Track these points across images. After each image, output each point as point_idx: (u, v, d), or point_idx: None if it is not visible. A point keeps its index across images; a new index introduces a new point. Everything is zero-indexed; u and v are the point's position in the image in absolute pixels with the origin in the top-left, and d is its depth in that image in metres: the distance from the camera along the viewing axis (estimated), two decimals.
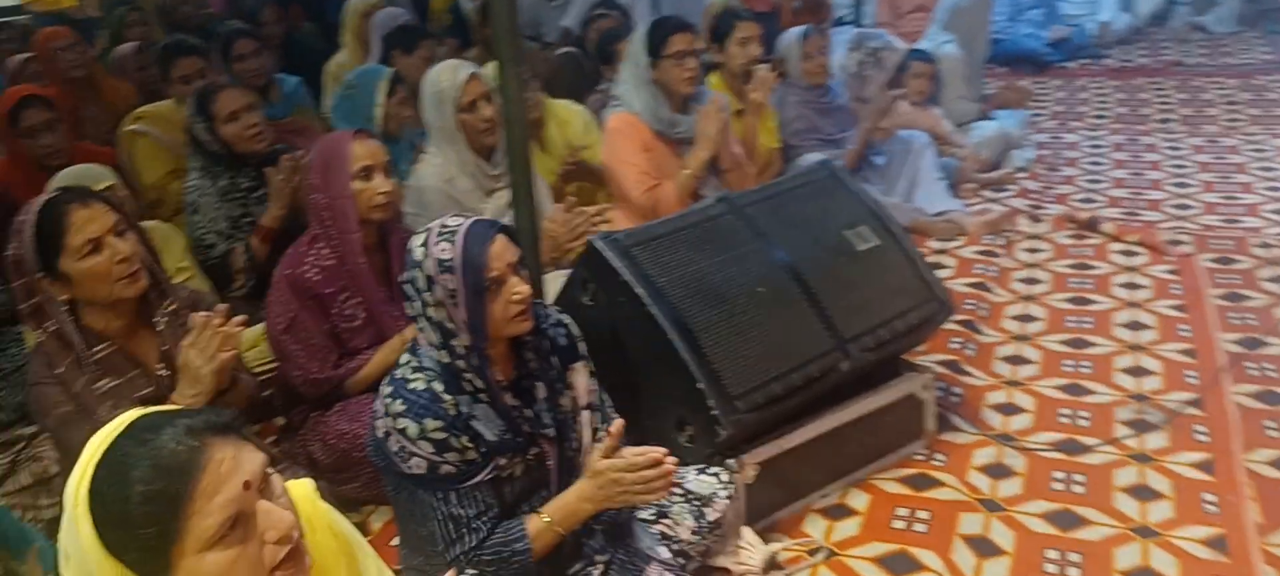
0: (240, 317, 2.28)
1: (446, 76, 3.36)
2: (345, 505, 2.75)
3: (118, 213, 2.23)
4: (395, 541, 2.27)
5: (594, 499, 2.00)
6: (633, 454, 1.97)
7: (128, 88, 4.90)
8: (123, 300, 2.24)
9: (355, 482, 2.72)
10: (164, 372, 2.30)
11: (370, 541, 2.64)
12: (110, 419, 1.29)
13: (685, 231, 2.74)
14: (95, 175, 3.09)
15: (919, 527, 2.61)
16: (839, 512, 2.70)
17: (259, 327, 2.98)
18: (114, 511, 1.19)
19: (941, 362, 3.41)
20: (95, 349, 2.24)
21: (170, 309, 2.35)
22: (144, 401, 2.26)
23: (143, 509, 1.18)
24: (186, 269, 3.40)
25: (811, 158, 4.32)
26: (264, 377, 2.86)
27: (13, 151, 3.74)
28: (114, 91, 4.87)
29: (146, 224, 3.34)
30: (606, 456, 1.97)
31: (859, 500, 2.74)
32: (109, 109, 4.67)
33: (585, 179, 4.03)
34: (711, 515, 2.28)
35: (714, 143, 3.65)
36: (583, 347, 2.24)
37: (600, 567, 2.16)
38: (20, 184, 3.44)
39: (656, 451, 1.95)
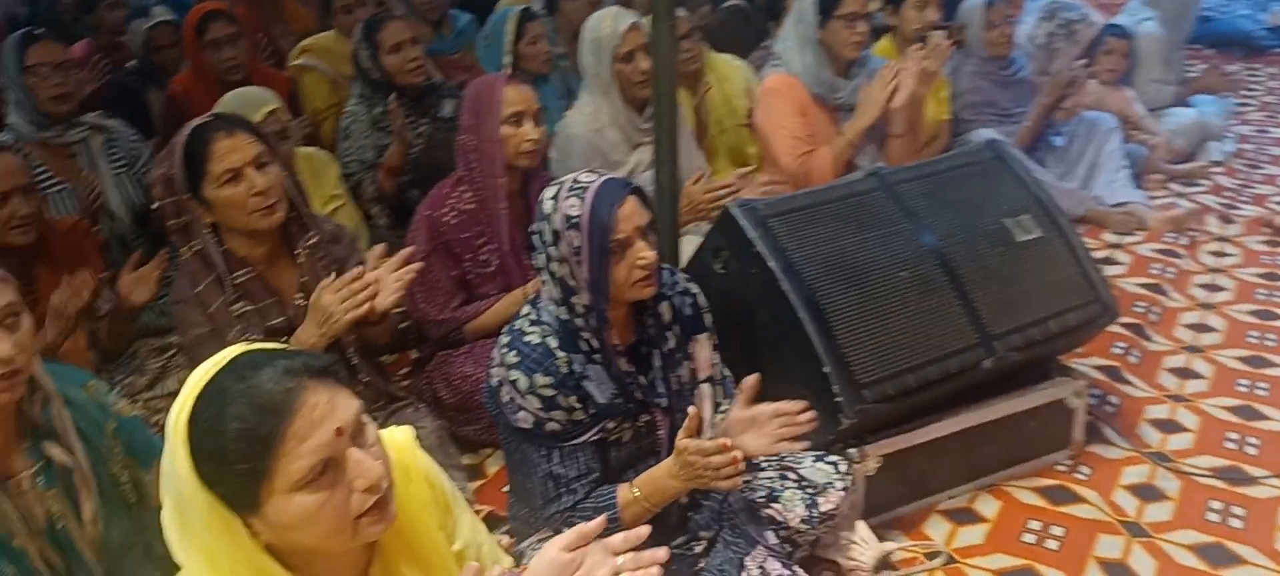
0: (374, 274, 2.30)
1: (607, 24, 3.33)
2: (465, 446, 2.80)
3: (262, 144, 2.29)
4: (507, 487, 2.28)
5: (678, 477, 1.95)
6: (721, 434, 1.92)
7: (309, 13, 5.07)
8: (261, 230, 2.31)
9: (475, 425, 2.76)
10: (301, 303, 2.37)
11: (484, 485, 2.73)
12: (241, 343, 1.32)
13: (829, 205, 2.63)
14: (259, 99, 3.20)
15: (1051, 544, 2.45)
16: (965, 517, 2.56)
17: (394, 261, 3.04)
18: (209, 444, 1.21)
19: (1099, 367, 3.18)
20: (235, 273, 2.32)
21: (311, 241, 2.41)
22: (276, 331, 2.34)
23: (236, 445, 1.20)
24: (339, 198, 3.50)
25: (982, 134, 4.10)
26: (400, 312, 2.92)
27: (196, 65, 3.93)
28: (296, 16, 5.05)
29: (304, 151, 3.45)
30: (687, 436, 1.92)
31: (989, 507, 2.59)
32: (291, 32, 4.85)
33: (724, 131, 3.94)
34: (824, 505, 2.19)
35: (878, 110, 3.48)
36: (708, 319, 2.18)
37: (703, 543, 2.12)
38: (200, 97, 3.61)
39: (723, 441, 1.88)
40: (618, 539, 1.38)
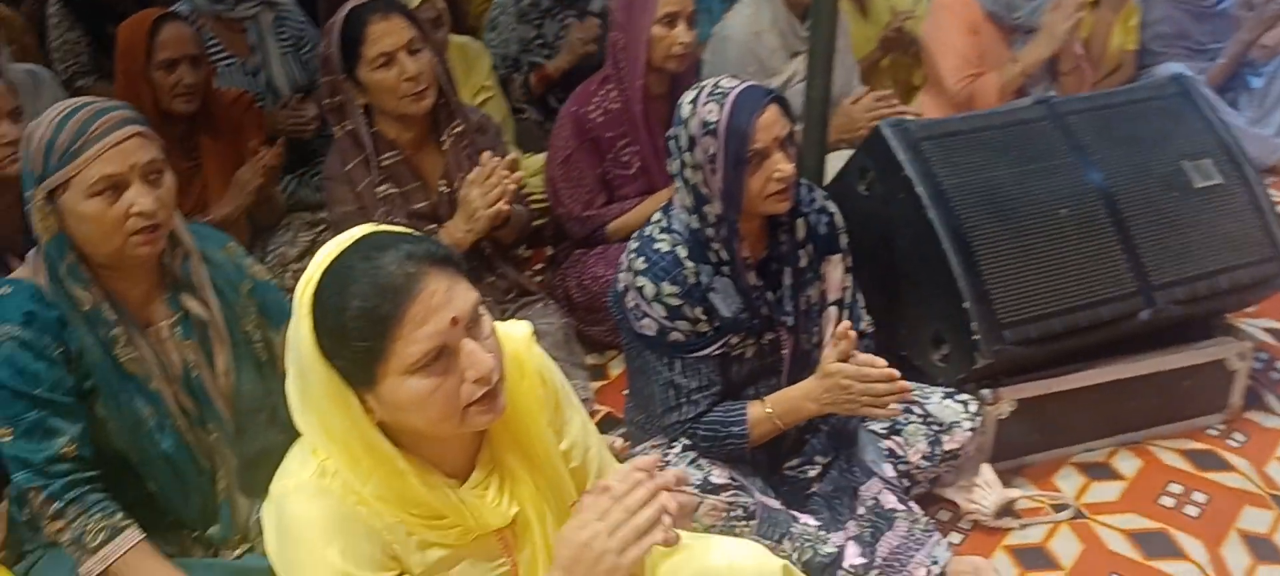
0: (519, 174, 2.33)
1: None
2: (590, 346, 2.83)
3: (415, 29, 2.32)
4: (627, 391, 2.29)
5: (819, 400, 1.92)
6: (866, 361, 1.86)
7: None
8: (410, 114, 2.35)
9: (602, 326, 2.78)
10: (443, 190, 2.42)
11: (605, 387, 2.75)
12: (385, 224, 1.34)
13: (988, 132, 2.49)
14: None
15: (1190, 510, 2.32)
16: (1100, 472, 2.44)
17: (541, 157, 3.06)
18: (331, 320, 1.25)
19: (1270, 331, 2.95)
20: (383, 155, 2.38)
21: (457, 129, 2.44)
22: (419, 215, 2.39)
23: (356, 323, 1.23)
24: (489, 89, 3.52)
25: (1169, 67, 3.80)
26: (539, 208, 2.95)
27: None
28: None
29: (458, 40, 3.48)
30: (840, 359, 1.87)
31: (1128, 465, 2.46)
32: None
33: (903, 52, 3.76)
34: (949, 444, 2.12)
35: (1058, 41, 3.25)
36: (844, 240, 2.12)
37: (818, 468, 2.09)
38: None
39: (891, 370, 1.83)
40: (670, 475, 1.35)
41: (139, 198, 1.72)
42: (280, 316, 1.91)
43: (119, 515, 1.79)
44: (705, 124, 1.88)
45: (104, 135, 1.69)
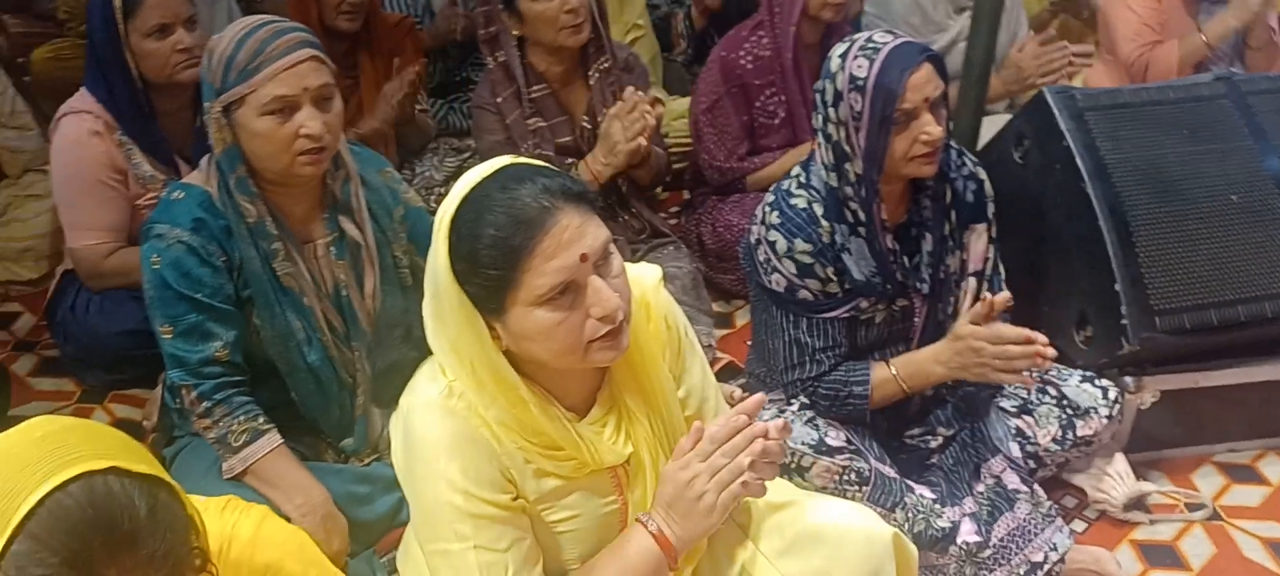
0: (660, 110, 2.33)
1: None
2: (718, 293, 2.83)
3: None
4: (750, 342, 2.29)
5: (948, 364, 1.87)
6: (1003, 326, 1.81)
7: None
8: (564, 48, 2.37)
9: (732, 275, 2.77)
10: (586, 125, 2.44)
11: (729, 336, 2.75)
12: (528, 157, 1.38)
13: (1159, 107, 2.35)
14: None
15: None
16: (1244, 475, 2.31)
17: (685, 101, 3.05)
18: (466, 246, 1.28)
19: None
20: (533, 87, 2.42)
21: (604, 66, 2.46)
22: (564, 149, 2.43)
23: (488, 251, 1.26)
24: (640, 27, 3.50)
25: None
26: (678, 151, 2.94)
27: None
28: None
29: None
30: (975, 324, 1.81)
31: (1275, 469, 2.33)
32: None
33: (1075, 15, 3.58)
34: (1082, 429, 2.04)
35: (1250, 13, 3.03)
36: (990, 210, 2.05)
37: (940, 439, 2.04)
38: None
39: (1029, 332, 1.77)
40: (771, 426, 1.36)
41: (308, 120, 1.79)
42: (428, 244, 1.98)
43: (261, 419, 1.89)
44: (853, 79, 1.84)
45: (280, 56, 1.76)
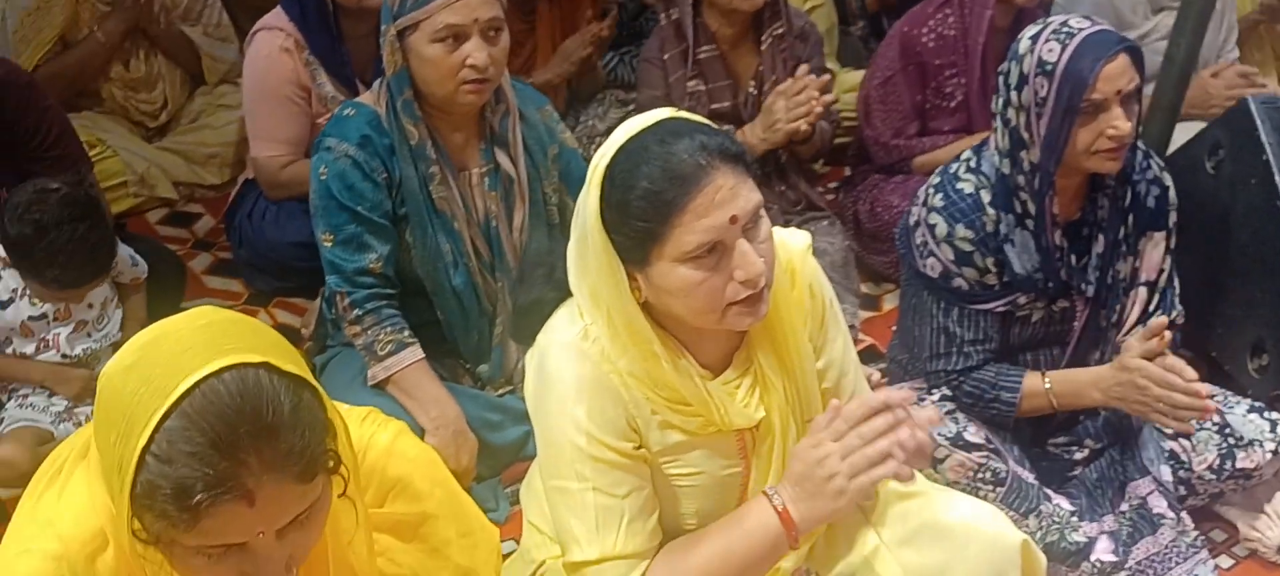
0: (829, 97, 2.30)
1: None
2: (867, 274, 2.77)
3: None
4: (895, 327, 2.23)
5: (1108, 392, 1.79)
6: (1173, 367, 1.71)
7: None
8: (738, 10, 2.36)
9: (885, 257, 2.69)
10: (752, 91, 2.42)
11: (874, 319, 2.69)
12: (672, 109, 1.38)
13: None
14: None
15: None
16: None
17: (859, 75, 2.97)
18: (618, 195, 1.29)
19: None
20: (702, 48, 2.42)
21: (778, 31, 2.43)
22: (720, 115, 2.42)
23: (640, 202, 1.27)
24: None
25: None
26: (847, 126, 2.87)
27: None
28: None
29: None
30: (1146, 356, 1.72)
31: None
32: None
33: None
34: (1243, 462, 1.90)
35: None
36: (1171, 218, 1.93)
37: (1086, 452, 1.95)
38: None
39: (1199, 385, 1.69)
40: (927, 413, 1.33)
41: (475, 51, 1.86)
42: (577, 186, 2.01)
43: (407, 332, 1.98)
44: (1041, 63, 1.75)
45: None
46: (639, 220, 1.27)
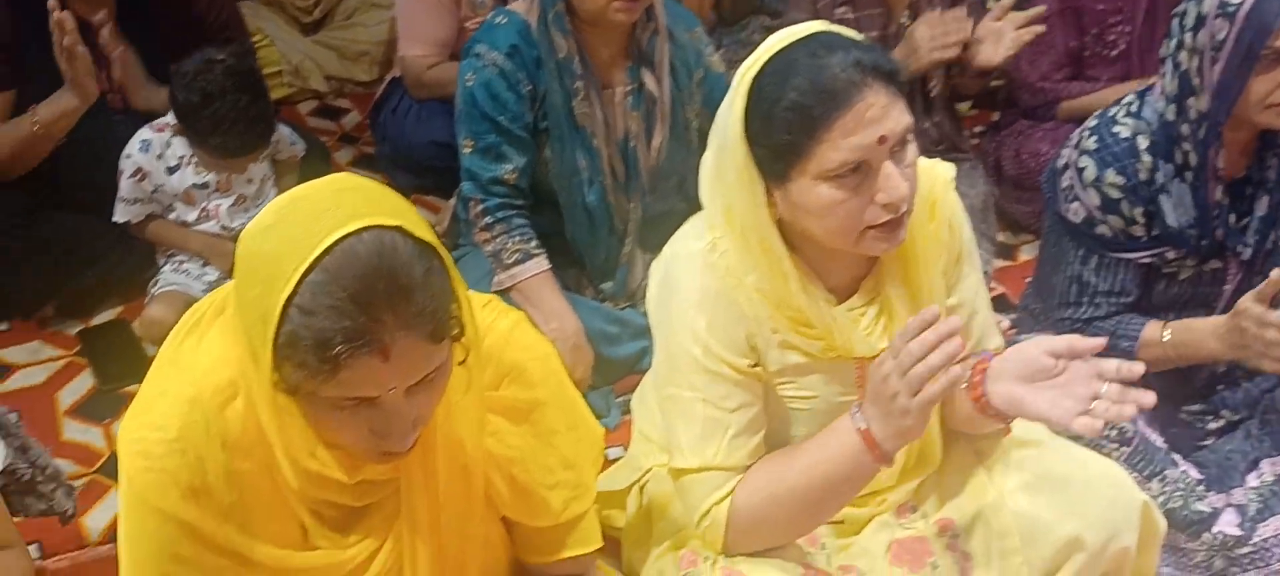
0: (990, 26, 2.22)
1: None
2: (1006, 223, 2.68)
3: None
4: (1030, 278, 2.14)
5: (1221, 339, 1.68)
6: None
7: None
8: None
9: (1026, 206, 2.60)
10: (904, 22, 2.35)
11: (1008, 269, 2.61)
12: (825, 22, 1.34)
13: None
14: None
15: None
16: None
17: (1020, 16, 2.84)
18: (764, 106, 1.27)
19: None
20: None
21: None
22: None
23: (785, 116, 1.24)
24: None
25: None
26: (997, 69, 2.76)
27: None
28: None
29: None
30: (1259, 301, 1.61)
31: None
32: None
33: None
34: None
35: None
36: None
37: (1221, 422, 1.86)
38: None
39: None
40: (1112, 365, 1.25)
41: None
42: None
43: (534, 243, 2.01)
44: (1223, 4, 1.63)
45: None
46: (782, 134, 1.25)
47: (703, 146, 1.85)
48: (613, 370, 2.11)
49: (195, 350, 1.14)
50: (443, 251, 1.06)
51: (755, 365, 1.39)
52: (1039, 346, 1.29)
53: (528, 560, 1.37)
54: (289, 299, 0.97)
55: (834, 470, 1.34)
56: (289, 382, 1.01)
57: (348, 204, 1.01)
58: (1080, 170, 1.78)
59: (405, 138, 2.76)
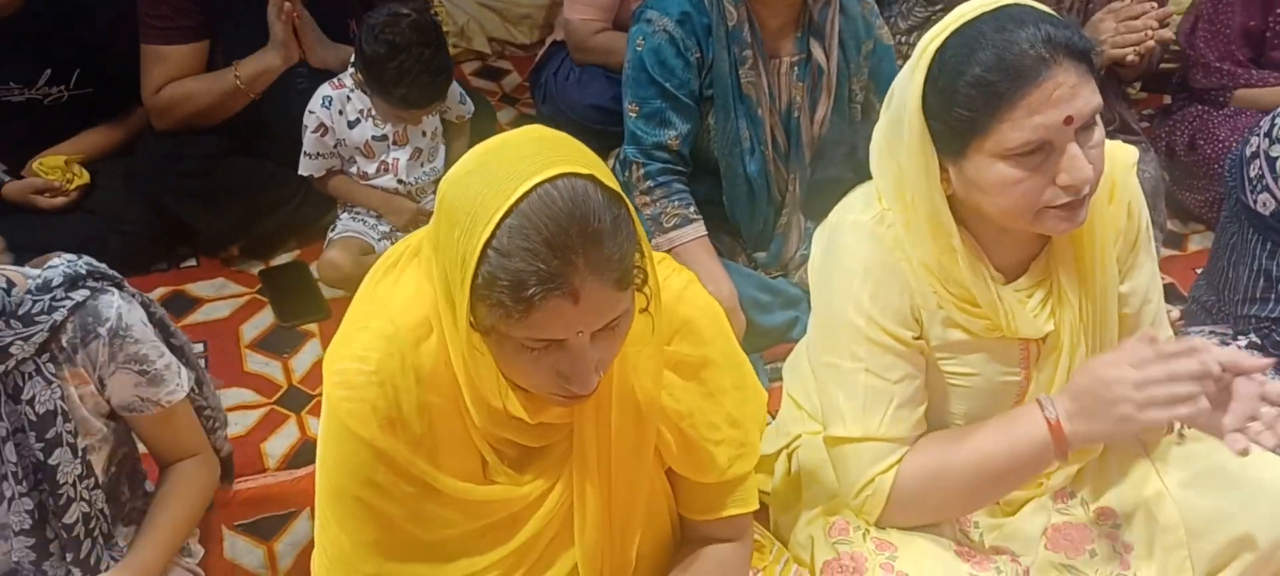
0: (1167, 33, 2.16)
1: None
2: (1177, 211, 2.61)
3: None
4: (1201, 269, 2.07)
5: None
6: None
7: None
8: None
9: (1199, 195, 2.50)
10: (1077, 6, 2.27)
11: (1177, 258, 2.55)
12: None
13: None
14: None
15: None
16: None
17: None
18: (945, 80, 1.23)
19: None
20: None
21: None
22: None
23: (968, 91, 1.21)
24: None
25: None
26: (1175, 52, 2.65)
27: None
28: None
29: None
30: None
31: None
32: None
33: None
34: None
35: None
36: None
37: None
38: None
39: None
40: (1278, 389, 1.21)
41: None
42: (886, 85, 1.97)
43: (692, 209, 2.03)
44: None
45: None
46: (963, 109, 1.21)
47: (866, 119, 1.84)
48: (762, 337, 2.12)
49: (393, 288, 1.19)
50: (628, 202, 1.09)
51: (918, 338, 1.38)
52: (1205, 358, 1.24)
53: (689, 516, 1.38)
54: (487, 241, 1.01)
55: (1013, 456, 1.33)
56: (483, 323, 1.05)
57: (545, 152, 1.05)
58: (1273, 160, 1.71)
59: (566, 99, 2.82)
